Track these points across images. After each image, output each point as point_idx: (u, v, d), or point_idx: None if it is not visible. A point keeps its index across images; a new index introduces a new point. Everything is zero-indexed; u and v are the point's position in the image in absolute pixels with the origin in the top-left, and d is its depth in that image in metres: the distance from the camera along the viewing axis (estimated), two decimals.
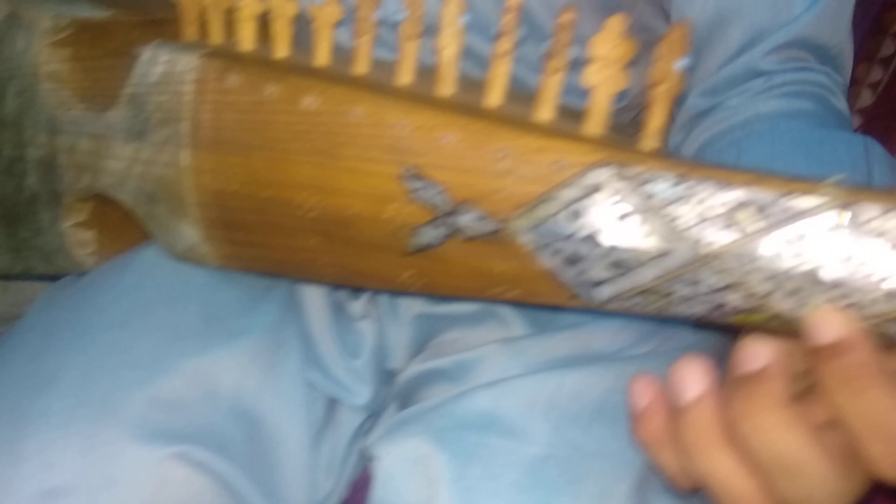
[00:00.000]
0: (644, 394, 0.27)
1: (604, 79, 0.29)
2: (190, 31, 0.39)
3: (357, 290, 0.44)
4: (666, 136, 0.29)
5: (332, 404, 0.43)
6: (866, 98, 0.74)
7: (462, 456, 0.32)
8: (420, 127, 0.31)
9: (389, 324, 0.44)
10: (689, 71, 0.50)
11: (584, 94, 0.30)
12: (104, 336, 0.36)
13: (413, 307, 0.43)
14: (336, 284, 0.42)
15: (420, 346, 0.44)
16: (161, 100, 0.38)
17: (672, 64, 0.28)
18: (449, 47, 0.32)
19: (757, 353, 0.25)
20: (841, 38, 0.48)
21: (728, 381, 0.26)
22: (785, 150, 0.41)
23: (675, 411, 0.26)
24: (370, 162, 0.32)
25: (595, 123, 0.30)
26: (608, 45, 0.29)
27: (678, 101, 0.50)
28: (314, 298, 0.43)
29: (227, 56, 0.36)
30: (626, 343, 0.37)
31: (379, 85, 0.33)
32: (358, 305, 0.44)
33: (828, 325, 0.24)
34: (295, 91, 0.33)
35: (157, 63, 0.38)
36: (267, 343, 0.38)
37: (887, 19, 0.73)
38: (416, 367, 0.42)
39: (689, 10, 0.48)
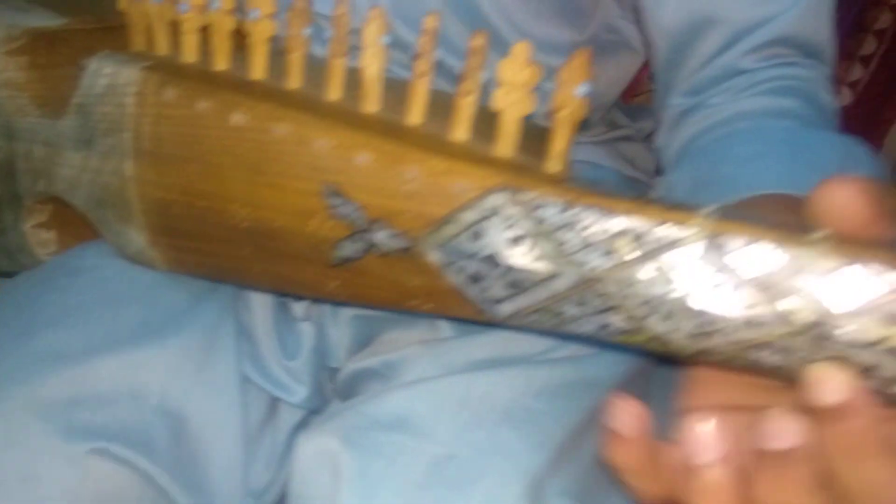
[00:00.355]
0: (628, 421, 0.25)
1: (510, 103, 0.30)
2: (137, 41, 0.41)
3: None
4: (569, 159, 0.30)
5: (274, 402, 0.45)
6: (846, 97, 0.74)
7: (367, 454, 0.34)
8: (338, 146, 0.32)
9: (330, 324, 0.46)
10: (670, 72, 0.50)
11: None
12: (39, 335, 0.38)
13: (351, 308, 0.45)
14: (271, 292, 0.44)
15: (360, 346, 0.45)
16: (106, 110, 0.39)
17: (573, 90, 0.30)
18: (371, 66, 0.33)
19: (785, 430, 0.23)
20: (824, 34, 0.47)
21: (751, 451, 0.24)
22: (770, 150, 0.41)
23: (685, 465, 0.24)
24: (293, 179, 0.33)
25: (504, 146, 0.31)
26: (513, 71, 0.30)
27: (661, 105, 0.51)
28: (259, 300, 0.44)
29: (166, 69, 0.38)
30: (545, 347, 0.38)
31: (305, 102, 0.34)
32: (300, 307, 0.46)
33: (830, 384, 0.23)
34: (225, 107, 0.35)
35: (101, 75, 0.39)
36: (201, 342, 0.40)
37: (869, 17, 0.73)
38: (352, 366, 0.43)
39: (662, 12, 0.48)
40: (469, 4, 0.49)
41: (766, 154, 0.39)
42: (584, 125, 0.53)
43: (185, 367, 0.40)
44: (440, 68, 0.50)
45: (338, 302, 0.43)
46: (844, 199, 0.23)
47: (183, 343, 0.40)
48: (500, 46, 0.50)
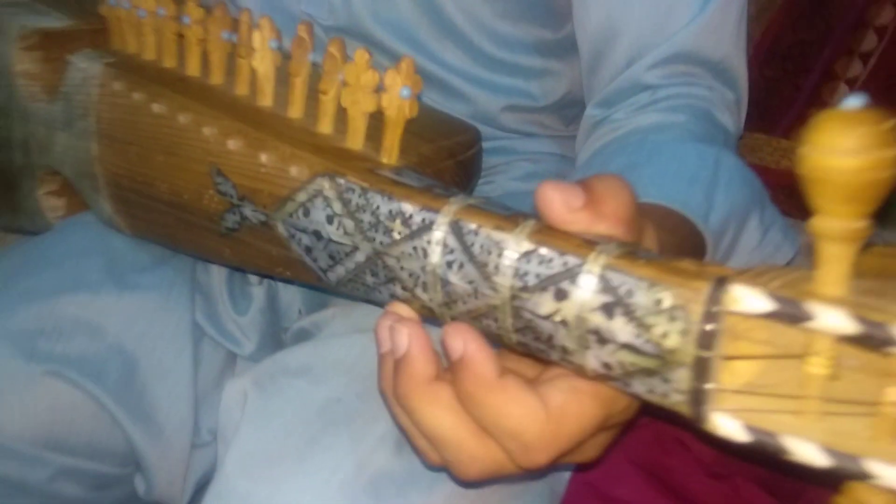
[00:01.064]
0: (384, 338, 0.29)
1: (353, 101, 0.35)
2: (114, 41, 0.49)
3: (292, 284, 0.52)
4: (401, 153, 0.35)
5: (230, 357, 0.52)
6: (843, 94, 0.72)
7: (270, 394, 0.40)
8: (218, 132, 0.38)
9: (282, 289, 0.52)
10: (590, 78, 0.53)
11: None
12: (18, 278, 0.46)
13: None
14: (197, 258, 0.51)
15: (317, 308, 0.51)
16: (80, 98, 0.47)
17: (398, 92, 0.34)
18: (261, 66, 0.39)
19: (399, 334, 0.29)
20: (725, 52, 0.49)
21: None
22: (639, 161, 0.44)
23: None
24: (192, 160, 0.40)
25: (353, 139, 0.36)
26: (355, 74, 0.35)
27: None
28: (216, 265, 0.52)
29: (121, 65, 0.45)
30: None
31: (207, 95, 0.41)
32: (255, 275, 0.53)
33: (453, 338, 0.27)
34: (151, 97, 0.42)
35: (79, 69, 0.47)
36: (157, 296, 0.48)
37: (871, 13, 0.71)
38: (296, 325, 0.50)
39: (585, 21, 0.51)
40: (435, 7, 0.53)
41: (638, 165, 0.42)
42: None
43: (141, 316, 0.47)
44: (419, 73, 0.55)
45: (234, 267, 0.49)
46: (549, 199, 0.26)
47: (141, 295, 0.48)
48: (465, 46, 0.55)
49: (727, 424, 0.23)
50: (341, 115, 0.36)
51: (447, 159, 0.42)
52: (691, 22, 0.47)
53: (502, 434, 0.27)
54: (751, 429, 0.23)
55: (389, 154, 0.35)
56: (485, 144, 0.48)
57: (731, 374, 0.23)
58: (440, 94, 0.56)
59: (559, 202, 0.26)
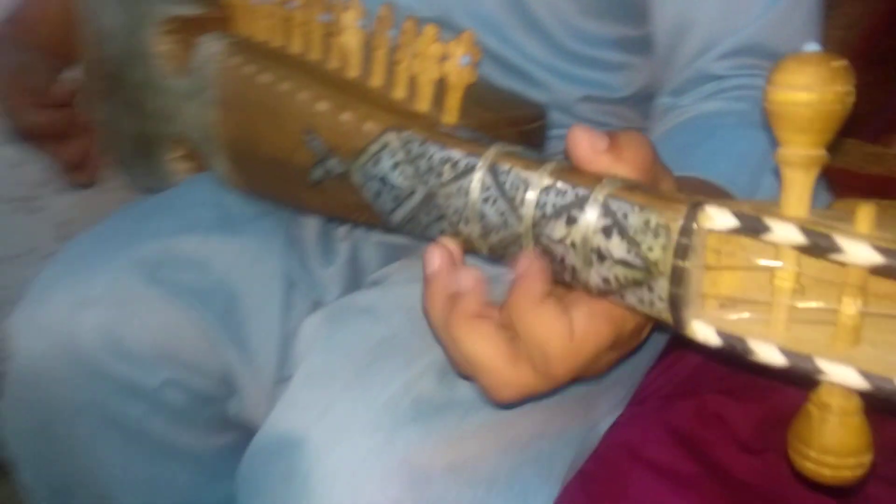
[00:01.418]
0: (432, 260, 0.34)
1: (422, 69, 0.41)
2: (235, 26, 0.57)
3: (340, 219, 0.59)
4: (458, 112, 0.40)
5: (316, 305, 0.59)
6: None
7: (337, 327, 0.47)
8: (311, 97, 0.45)
9: (362, 247, 0.59)
10: (663, 70, 0.56)
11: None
12: (148, 220, 0.56)
13: (375, 236, 0.58)
14: (292, 211, 0.58)
15: (386, 263, 0.58)
16: (204, 73, 0.55)
17: (459, 60, 0.40)
18: (350, 41, 0.46)
19: (431, 257, 0.34)
20: (795, 46, 0.51)
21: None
22: (695, 142, 0.48)
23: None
24: (290, 121, 0.46)
25: (420, 102, 0.42)
26: (424, 46, 0.41)
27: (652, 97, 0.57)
28: (311, 222, 0.59)
29: (239, 45, 0.53)
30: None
31: (305, 67, 0.47)
32: (342, 231, 0.60)
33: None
34: (259, 70, 0.49)
35: (206, 48, 0.56)
36: (257, 244, 0.56)
37: None
38: (371, 277, 0.56)
39: (660, 15, 0.54)
40: (521, 2, 0.58)
41: (693, 145, 0.46)
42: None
43: (243, 259, 0.55)
44: (497, 59, 0.60)
45: (323, 216, 0.56)
46: (577, 138, 0.31)
47: (244, 241, 0.56)
48: (547, 39, 0.59)
49: (702, 330, 0.27)
50: (413, 82, 0.42)
51: (509, 127, 0.46)
52: (761, 16, 0.50)
53: (533, 345, 0.31)
54: (722, 334, 0.26)
55: (450, 114, 0.40)
56: (559, 132, 0.52)
57: (708, 285, 0.27)
58: (520, 82, 0.60)
59: (586, 142, 0.31)
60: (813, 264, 0.25)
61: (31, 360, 0.52)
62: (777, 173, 0.47)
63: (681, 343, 0.30)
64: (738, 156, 0.45)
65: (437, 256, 0.34)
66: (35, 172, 0.98)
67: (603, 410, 0.49)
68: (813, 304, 0.25)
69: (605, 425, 0.50)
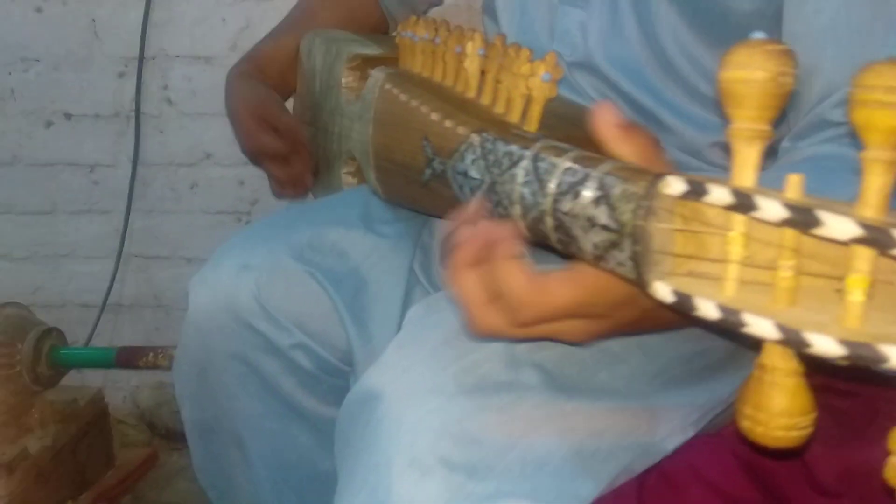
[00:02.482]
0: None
1: (514, 86, 0.48)
2: (401, 62, 0.68)
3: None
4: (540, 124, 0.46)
5: None
6: None
7: (432, 311, 0.53)
8: (430, 109, 0.53)
9: None
10: (789, 113, 0.57)
11: None
12: (307, 213, 0.68)
13: None
14: (419, 213, 0.66)
15: None
16: (369, 97, 0.67)
17: (541, 77, 0.46)
18: (470, 66, 0.54)
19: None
20: None
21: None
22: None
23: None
24: (414, 131, 0.55)
25: (511, 114, 0.48)
26: (517, 65, 0.48)
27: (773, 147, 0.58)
28: (439, 227, 0.67)
29: (395, 74, 0.64)
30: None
31: (436, 90, 0.56)
32: None
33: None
34: (402, 91, 0.59)
35: (373, 78, 0.67)
36: (390, 242, 0.65)
37: None
38: None
39: None
40: (659, 47, 0.62)
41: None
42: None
43: (376, 252, 0.65)
44: (633, 104, 0.65)
45: (435, 216, 0.63)
46: (604, 107, 0.36)
47: (379, 238, 0.66)
48: (683, 84, 0.63)
49: (661, 288, 0.30)
50: (509, 97, 0.49)
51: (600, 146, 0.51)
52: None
53: (501, 290, 0.37)
54: (675, 292, 0.29)
55: (531, 123, 0.47)
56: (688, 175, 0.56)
57: (678, 249, 0.30)
58: (653, 126, 0.64)
59: (608, 113, 0.36)
60: (764, 232, 0.28)
61: (199, 313, 0.65)
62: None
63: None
64: (826, 193, 0.46)
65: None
66: (252, 192, 1.18)
67: (670, 428, 0.50)
68: (756, 264, 0.28)
69: (671, 443, 0.50)
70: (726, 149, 0.64)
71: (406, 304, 0.64)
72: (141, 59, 1.13)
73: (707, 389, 0.52)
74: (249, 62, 0.88)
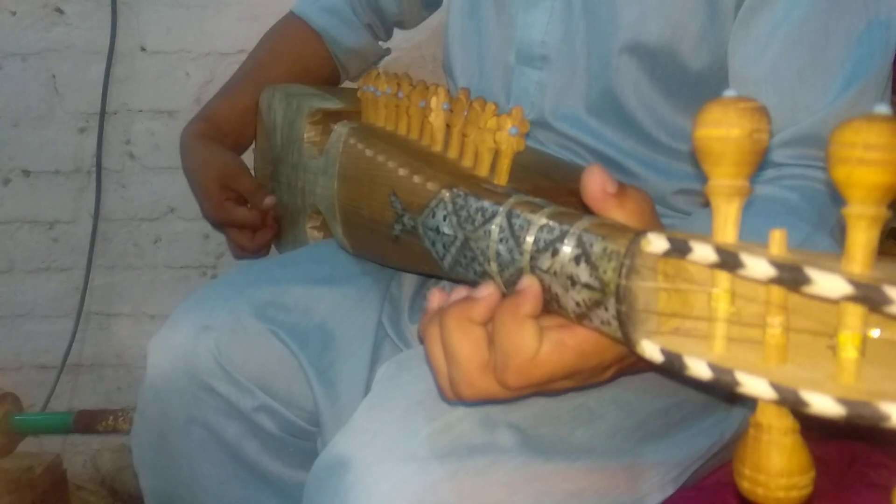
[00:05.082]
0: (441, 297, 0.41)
1: (481, 140, 0.48)
2: (364, 115, 0.68)
3: (433, 277, 0.66)
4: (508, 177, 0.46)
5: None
6: None
7: (403, 369, 0.51)
8: (397, 165, 0.53)
9: None
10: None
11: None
12: (272, 270, 0.66)
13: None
14: (387, 267, 0.65)
15: None
16: (333, 152, 0.66)
17: (508, 131, 0.46)
18: (434, 121, 0.54)
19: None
20: None
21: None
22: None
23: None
24: (380, 186, 0.55)
25: (480, 167, 0.48)
26: (484, 120, 0.47)
27: None
28: (408, 282, 0.66)
29: (359, 129, 0.63)
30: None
31: (402, 144, 0.56)
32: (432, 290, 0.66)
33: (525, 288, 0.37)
34: (367, 146, 0.58)
35: (336, 132, 0.67)
36: (356, 295, 0.63)
37: None
38: None
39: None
40: (618, 104, 0.63)
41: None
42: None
43: (342, 306, 0.63)
44: (594, 153, 0.65)
45: (402, 269, 0.62)
46: (592, 174, 0.36)
47: (346, 291, 0.64)
48: (643, 136, 0.63)
49: (648, 347, 0.29)
50: (476, 151, 0.49)
51: (568, 196, 0.51)
52: (824, 108, 0.52)
53: (500, 352, 0.36)
54: (663, 351, 0.29)
55: (500, 177, 0.46)
56: None
57: (661, 307, 0.30)
58: (618, 175, 0.64)
59: (598, 180, 0.35)
60: (749, 289, 0.27)
61: (158, 376, 0.62)
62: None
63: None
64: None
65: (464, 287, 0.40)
66: (217, 245, 1.17)
67: (650, 485, 0.49)
68: (745, 322, 0.27)
69: (652, 501, 0.49)
70: (691, 195, 0.66)
71: (374, 359, 0.63)
72: (102, 113, 1.11)
73: (685, 443, 0.52)
74: (205, 122, 0.86)
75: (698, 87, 0.60)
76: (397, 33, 0.96)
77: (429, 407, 0.48)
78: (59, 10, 1.10)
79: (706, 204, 0.64)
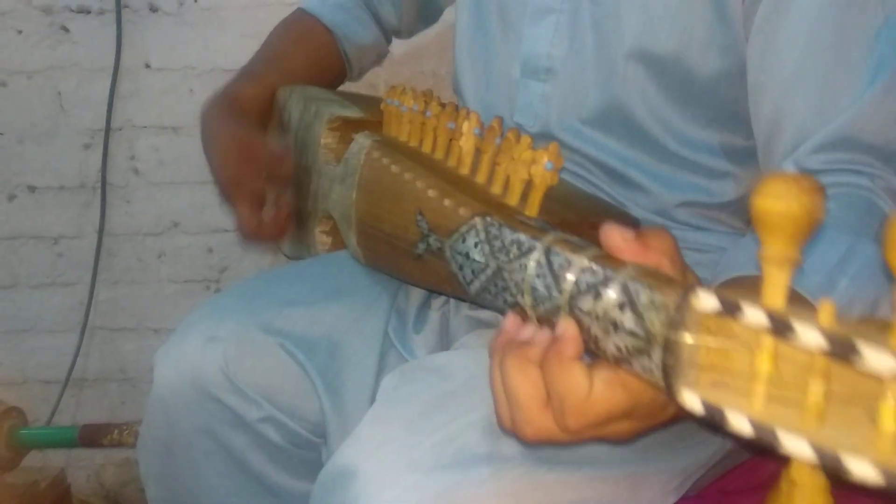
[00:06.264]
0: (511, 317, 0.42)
1: (514, 170, 0.49)
2: (386, 129, 0.68)
3: (435, 292, 0.67)
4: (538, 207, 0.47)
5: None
6: None
7: (404, 381, 0.53)
8: (424, 185, 0.54)
9: (453, 317, 0.66)
10: (764, 166, 0.58)
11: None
12: (280, 284, 0.66)
13: (464, 310, 0.64)
14: (402, 281, 0.66)
15: (467, 332, 0.64)
16: (353, 162, 0.67)
17: (544, 165, 0.47)
18: (464, 145, 0.55)
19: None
20: (892, 136, 0.51)
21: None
22: None
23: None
24: (406, 203, 0.56)
25: (511, 197, 0.49)
26: (518, 151, 0.49)
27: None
28: (415, 293, 0.67)
29: (382, 142, 0.64)
30: None
31: (429, 164, 0.57)
32: (438, 302, 0.67)
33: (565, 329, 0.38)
34: (392, 162, 0.59)
35: (358, 143, 0.67)
36: (363, 306, 0.64)
37: None
38: (455, 345, 0.63)
39: (758, 113, 0.56)
40: (625, 113, 0.63)
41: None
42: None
43: (349, 317, 0.64)
44: (598, 164, 0.66)
45: (422, 286, 0.63)
46: (609, 231, 0.37)
47: (352, 302, 0.65)
48: (650, 145, 0.63)
49: (690, 398, 0.31)
50: (508, 181, 0.50)
51: (591, 230, 0.52)
52: (851, 105, 0.51)
53: (555, 397, 0.36)
54: (704, 403, 0.30)
55: (531, 209, 0.47)
56: None
57: (703, 360, 0.31)
58: (622, 186, 0.65)
59: (616, 233, 0.37)
60: (790, 351, 0.29)
61: (165, 387, 0.63)
62: (857, 279, 0.46)
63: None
64: (815, 257, 0.46)
65: (514, 316, 0.40)
66: (220, 259, 1.17)
67: (651, 495, 0.51)
68: (786, 384, 0.29)
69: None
70: (694, 207, 0.66)
71: (380, 369, 0.64)
72: (107, 130, 1.11)
73: (687, 452, 0.53)
74: (230, 99, 0.81)
75: (707, 92, 0.60)
76: (398, 48, 0.97)
77: (432, 417, 0.49)
78: (65, 29, 1.10)
79: (711, 218, 0.66)
